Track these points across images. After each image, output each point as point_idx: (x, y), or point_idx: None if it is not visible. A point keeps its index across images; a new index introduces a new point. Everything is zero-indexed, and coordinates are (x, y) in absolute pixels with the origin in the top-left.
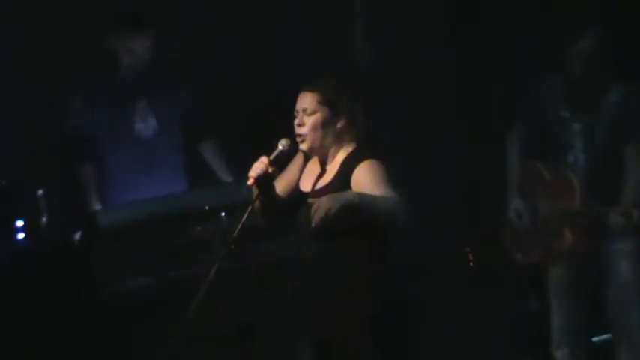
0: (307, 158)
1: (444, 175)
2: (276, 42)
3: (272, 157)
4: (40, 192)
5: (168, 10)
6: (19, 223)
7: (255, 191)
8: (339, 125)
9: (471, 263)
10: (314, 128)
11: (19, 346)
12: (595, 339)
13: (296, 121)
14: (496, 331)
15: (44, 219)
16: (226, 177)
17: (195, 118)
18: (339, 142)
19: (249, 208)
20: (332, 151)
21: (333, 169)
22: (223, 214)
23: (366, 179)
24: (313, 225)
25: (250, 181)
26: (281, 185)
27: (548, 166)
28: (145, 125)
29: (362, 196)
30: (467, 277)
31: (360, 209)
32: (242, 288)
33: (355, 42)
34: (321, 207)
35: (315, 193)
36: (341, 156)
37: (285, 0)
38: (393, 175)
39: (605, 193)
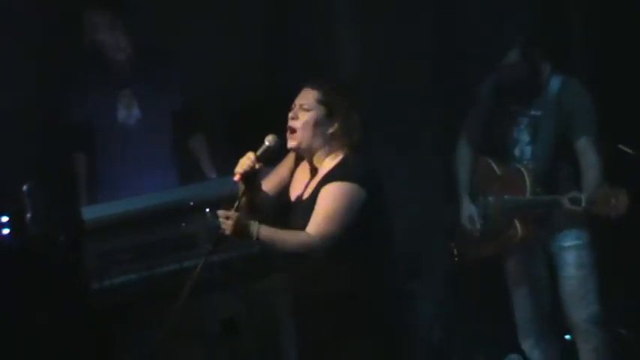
0: (298, 159)
1: (432, 173)
2: (264, 39)
3: (259, 152)
4: (25, 187)
5: (161, 3)
6: (4, 219)
7: (242, 187)
8: (330, 130)
9: (455, 258)
10: (306, 125)
11: (3, 343)
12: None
13: (290, 114)
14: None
15: (29, 215)
16: (211, 173)
17: (184, 113)
18: (328, 146)
19: (236, 204)
20: (320, 154)
21: (319, 178)
22: (208, 209)
23: (320, 202)
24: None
25: (237, 177)
26: (271, 184)
27: (498, 161)
28: (128, 113)
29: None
30: (453, 271)
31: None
32: (227, 283)
33: (338, 45)
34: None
35: (303, 202)
36: (328, 164)
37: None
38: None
39: (553, 183)
